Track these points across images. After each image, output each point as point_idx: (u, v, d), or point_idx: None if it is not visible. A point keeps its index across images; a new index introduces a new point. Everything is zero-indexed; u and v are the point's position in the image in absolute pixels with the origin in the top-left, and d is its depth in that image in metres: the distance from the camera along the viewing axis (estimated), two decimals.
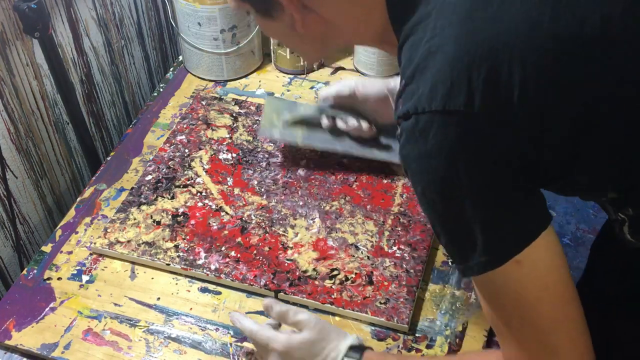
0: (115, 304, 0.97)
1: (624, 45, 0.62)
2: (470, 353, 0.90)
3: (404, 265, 0.98)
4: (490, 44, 0.61)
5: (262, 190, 1.10)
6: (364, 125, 1.07)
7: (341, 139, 1.11)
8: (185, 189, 1.11)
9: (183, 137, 1.20)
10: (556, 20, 0.61)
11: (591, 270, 1.07)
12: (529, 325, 0.68)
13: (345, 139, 1.11)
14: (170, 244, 1.02)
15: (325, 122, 1.09)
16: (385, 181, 1.11)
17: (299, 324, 0.83)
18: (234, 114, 1.24)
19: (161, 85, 1.36)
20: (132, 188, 1.11)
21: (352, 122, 1.07)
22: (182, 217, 1.06)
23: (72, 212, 1.10)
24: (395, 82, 1.05)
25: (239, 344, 0.92)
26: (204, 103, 1.27)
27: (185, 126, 1.22)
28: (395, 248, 1.01)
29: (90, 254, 1.04)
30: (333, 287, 0.96)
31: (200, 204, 1.08)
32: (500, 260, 0.65)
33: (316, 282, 0.97)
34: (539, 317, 0.67)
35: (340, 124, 1.08)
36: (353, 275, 0.97)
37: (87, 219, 1.09)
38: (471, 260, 0.67)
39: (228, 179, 1.12)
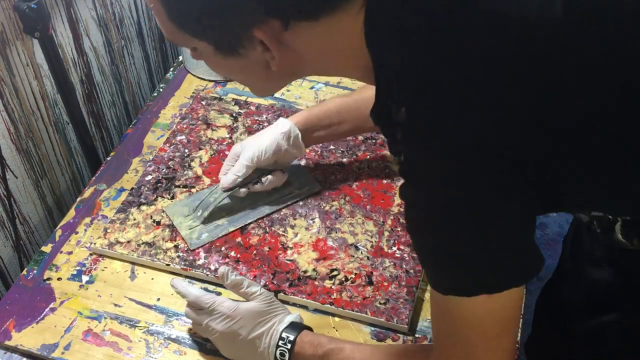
0: (115, 305, 0.97)
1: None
2: (405, 345, 0.90)
3: (404, 266, 0.98)
4: (491, 73, 0.58)
5: None
6: (277, 177, 1.05)
7: (259, 200, 1.07)
8: (185, 189, 1.11)
9: (183, 137, 1.20)
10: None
11: (566, 262, 1.06)
12: (466, 347, 0.67)
13: (262, 198, 1.07)
14: (170, 244, 1.02)
15: (244, 190, 1.04)
16: (385, 181, 1.11)
17: (251, 295, 0.87)
18: (234, 114, 1.24)
19: (161, 86, 1.36)
20: (132, 188, 1.11)
21: (266, 179, 1.05)
22: None
23: (72, 212, 1.10)
24: (285, 127, 1.03)
25: None
26: (204, 103, 1.27)
27: (185, 126, 1.22)
28: (395, 248, 1.01)
29: (90, 254, 1.04)
30: (333, 287, 0.96)
31: None
32: (478, 291, 0.64)
33: (316, 283, 0.97)
34: (479, 345, 0.67)
35: (257, 187, 1.05)
36: (353, 276, 0.97)
37: (87, 219, 1.09)
38: (447, 279, 0.65)
39: None
